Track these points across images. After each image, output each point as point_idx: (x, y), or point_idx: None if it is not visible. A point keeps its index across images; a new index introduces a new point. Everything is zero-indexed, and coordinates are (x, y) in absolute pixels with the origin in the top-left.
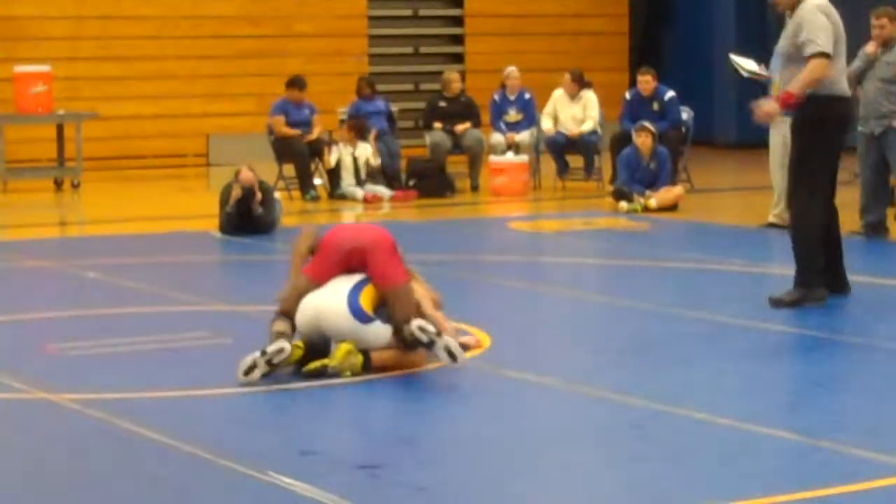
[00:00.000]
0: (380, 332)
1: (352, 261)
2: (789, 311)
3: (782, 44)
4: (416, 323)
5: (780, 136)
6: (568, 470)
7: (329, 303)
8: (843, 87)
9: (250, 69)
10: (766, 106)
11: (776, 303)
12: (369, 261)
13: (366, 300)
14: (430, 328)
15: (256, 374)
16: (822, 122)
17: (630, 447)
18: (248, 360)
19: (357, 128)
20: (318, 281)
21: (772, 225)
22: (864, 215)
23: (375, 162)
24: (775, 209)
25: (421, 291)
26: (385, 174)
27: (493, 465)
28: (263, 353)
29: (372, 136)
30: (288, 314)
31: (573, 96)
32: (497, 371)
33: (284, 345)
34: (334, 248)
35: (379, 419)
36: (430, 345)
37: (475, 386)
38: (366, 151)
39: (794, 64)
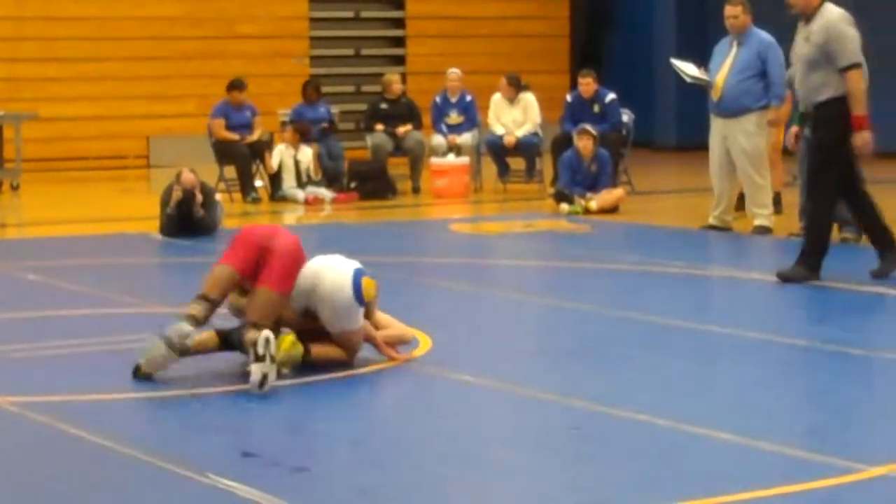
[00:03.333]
0: (360, 322)
1: (259, 256)
2: (724, 310)
3: (806, 50)
4: (265, 335)
5: (720, 137)
6: (510, 471)
7: (336, 270)
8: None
9: (192, 71)
10: (864, 138)
11: (786, 278)
12: (269, 260)
13: (367, 286)
14: (266, 350)
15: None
16: (843, 121)
17: (571, 448)
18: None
19: (301, 131)
20: (237, 268)
21: (712, 227)
22: (803, 217)
23: (317, 177)
24: (715, 211)
25: (372, 329)
26: (326, 176)
27: (435, 466)
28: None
29: (313, 151)
30: (207, 297)
31: (511, 100)
32: (439, 373)
33: (188, 329)
34: (248, 240)
35: (320, 421)
36: (255, 358)
37: (417, 388)
38: (307, 156)
39: (821, 69)
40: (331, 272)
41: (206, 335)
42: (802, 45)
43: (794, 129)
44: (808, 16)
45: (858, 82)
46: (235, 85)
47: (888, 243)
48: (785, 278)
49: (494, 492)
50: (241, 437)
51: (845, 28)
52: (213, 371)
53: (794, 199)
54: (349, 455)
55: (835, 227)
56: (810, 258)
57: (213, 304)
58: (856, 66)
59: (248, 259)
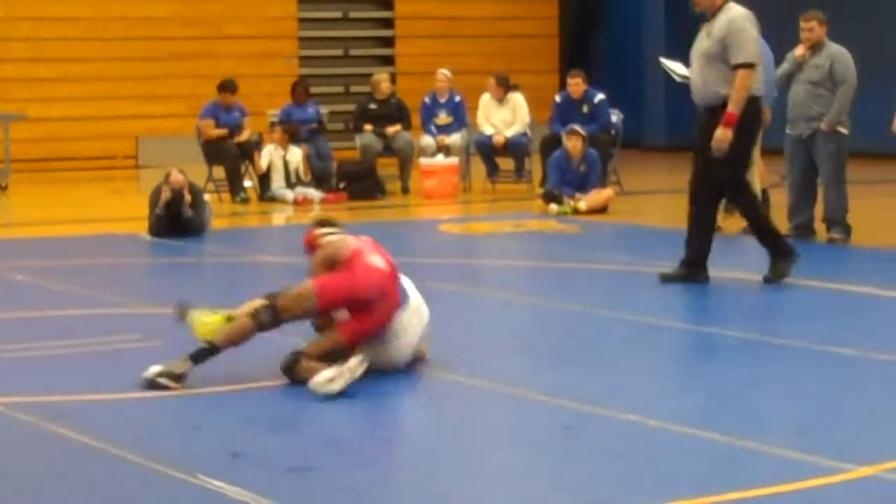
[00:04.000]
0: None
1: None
2: (712, 310)
3: (706, 45)
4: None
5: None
6: (499, 471)
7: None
8: (759, 88)
9: (181, 71)
10: (719, 134)
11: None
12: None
13: None
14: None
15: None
16: (752, 120)
17: (560, 448)
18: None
19: (290, 131)
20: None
21: None
22: (792, 217)
23: (306, 177)
24: None
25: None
26: (315, 177)
27: (425, 466)
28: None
29: (303, 152)
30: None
31: (500, 100)
32: (429, 373)
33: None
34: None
35: (310, 421)
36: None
37: (408, 388)
38: (296, 156)
39: (718, 64)
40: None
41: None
42: (703, 41)
43: None
44: (712, 13)
45: (746, 81)
46: (226, 86)
47: (773, 244)
48: (667, 279)
49: (485, 491)
50: (230, 438)
51: (748, 26)
52: (202, 371)
53: (781, 199)
54: (340, 455)
55: (822, 227)
56: (699, 260)
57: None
58: (749, 65)
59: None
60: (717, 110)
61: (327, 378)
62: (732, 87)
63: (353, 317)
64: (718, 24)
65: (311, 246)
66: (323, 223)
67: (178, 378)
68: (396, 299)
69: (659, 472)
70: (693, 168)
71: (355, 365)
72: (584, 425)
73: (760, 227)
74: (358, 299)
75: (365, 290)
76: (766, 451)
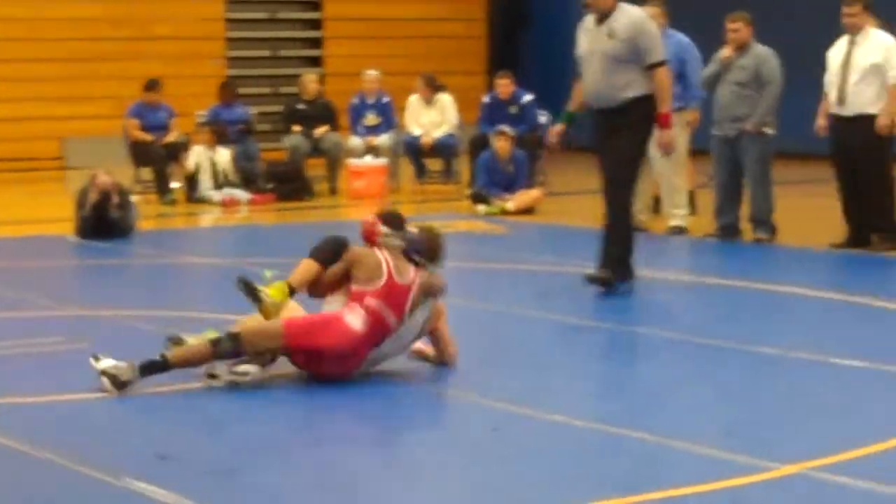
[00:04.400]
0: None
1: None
2: (639, 310)
3: (611, 46)
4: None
5: None
6: (426, 471)
7: None
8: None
9: (107, 72)
10: (662, 138)
11: (595, 280)
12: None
13: None
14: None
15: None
16: (651, 119)
17: (487, 449)
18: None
19: (217, 132)
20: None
21: None
22: (719, 217)
23: (234, 179)
24: None
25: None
26: (243, 178)
27: (353, 467)
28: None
29: (231, 153)
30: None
31: (428, 101)
32: (357, 374)
33: (251, 369)
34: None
35: (237, 422)
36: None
37: (334, 388)
38: (224, 157)
39: (627, 67)
40: None
41: None
42: (604, 42)
43: (559, 127)
44: (605, 14)
45: (667, 80)
46: (150, 86)
47: (618, 260)
48: (592, 280)
49: (411, 492)
50: (156, 440)
51: (651, 26)
52: None
53: (708, 199)
54: (266, 457)
55: (749, 227)
56: (623, 261)
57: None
58: (663, 63)
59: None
60: (622, 111)
61: (233, 371)
62: (655, 89)
63: (310, 334)
64: (621, 26)
65: (369, 237)
66: (388, 220)
67: (121, 385)
68: (361, 357)
69: (586, 473)
70: (603, 173)
71: (254, 372)
72: (511, 426)
73: (624, 239)
74: (321, 354)
75: (330, 351)
76: (692, 450)
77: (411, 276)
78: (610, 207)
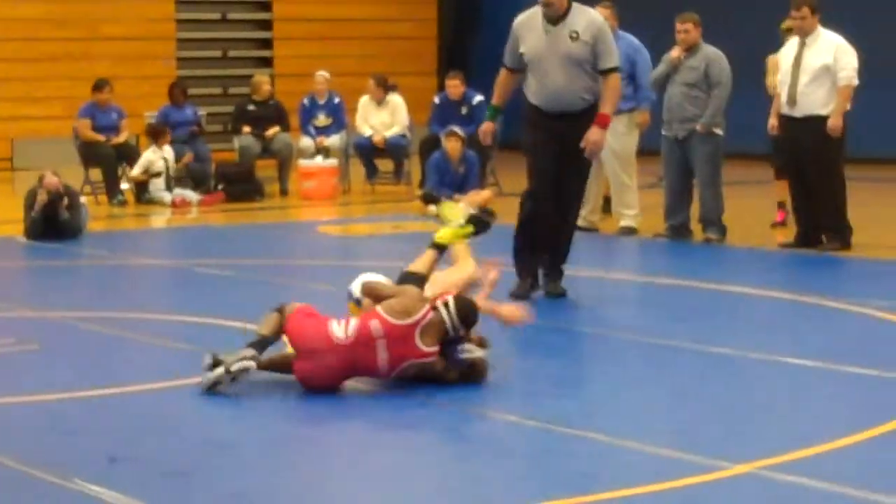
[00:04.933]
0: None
1: None
2: (590, 310)
3: (573, 48)
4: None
5: None
6: (383, 472)
7: None
8: None
9: (57, 72)
10: (595, 136)
11: (559, 296)
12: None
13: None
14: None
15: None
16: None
17: (442, 449)
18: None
19: (155, 134)
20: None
21: (578, 228)
22: (669, 218)
23: (178, 175)
24: (581, 211)
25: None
26: (193, 179)
27: (309, 469)
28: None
29: (189, 158)
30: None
31: (379, 102)
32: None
33: (250, 364)
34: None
35: (190, 424)
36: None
37: (289, 390)
38: (170, 155)
39: (585, 68)
40: None
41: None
42: (566, 44)
43: (488, 125)
44: (561, 14)
45: (618, 87)
46: (99, 86)
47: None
48: (556, 296)
49: (366, 493)
50: (109, 442)
51: (609, 31)
52: (79, 375)
53: (658, 199)
54: (221, 458)
55: (699, 227)
56: (560, 269)
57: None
58: (618, 68)
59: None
60: (580, 117)
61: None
62: (605, 90)
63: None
64: (582, 27)
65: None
66: (461, 309)
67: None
68: (332, 367)
69: (539, 473)
70: (563, 182)
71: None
72: (465, 426)
73: (563, 242)
74: (295, 346)
75: (295, 341)
76: (646, 450)
77: (424, 350)
78: (569, 217)
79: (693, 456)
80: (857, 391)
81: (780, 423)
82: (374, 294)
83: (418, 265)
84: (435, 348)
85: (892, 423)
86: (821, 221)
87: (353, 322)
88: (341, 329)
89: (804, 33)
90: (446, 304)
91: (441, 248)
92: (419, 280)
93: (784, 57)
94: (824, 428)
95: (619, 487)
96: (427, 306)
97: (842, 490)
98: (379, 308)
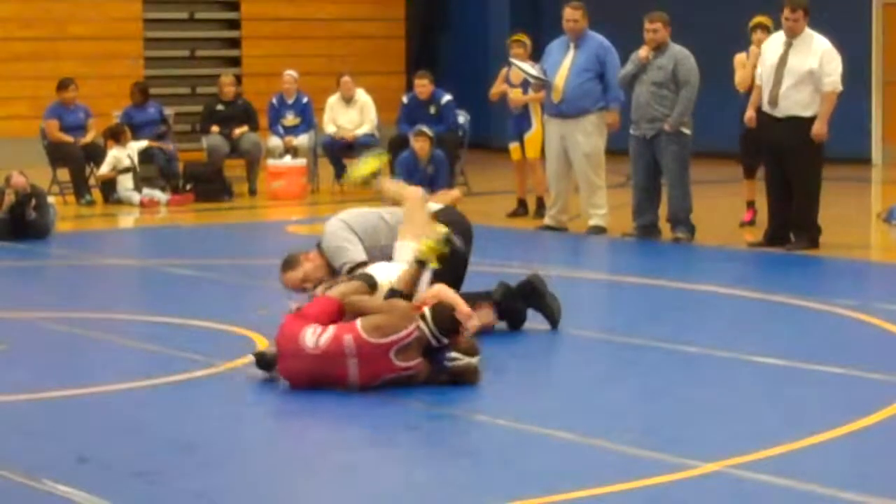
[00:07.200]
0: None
1: None
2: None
3: (582, 59)
4: None
5: (557, 138)
6: (348, 472)
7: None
8: None
9: (23, 72)
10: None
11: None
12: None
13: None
14: None
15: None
16: None
17: (407, 448)
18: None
19: (114, 134)
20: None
21: (548, 227)
22: (637, 217)
23: (140, 172)
24: (551, 211)
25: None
26: (162, 178)
27: (273, 468)
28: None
29: (137, 163)
30: None
31: (349, 100)
32: (274, 374)
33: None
34: None
35: (158, 425)
36: None
37: (252, 391)
38: (133, 151)
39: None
40: None
41: None
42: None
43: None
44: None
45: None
46: (63, 85)
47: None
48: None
49: (331, 492)
50: (76, 443)
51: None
52: (47, 375)
53: (627, 198)
54: (186, 458)
55: (667, 226)
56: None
57: None
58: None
59: None
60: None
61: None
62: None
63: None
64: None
65: (417, 308)
66: (439, 320)
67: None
68: (300, 371)
69: (507, 471)
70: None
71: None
72: (432, 425)
73: None
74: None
75: (277, 336)
76: (615, 449)
77: (400, 365)
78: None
79: (662, 454)
80: (824, 390)
81: (748, 422)
82: (357, 310)
83: (400, 283)
84: (415, 362)
85: (860, 422)
86: (793, 220)
87: (328, 333)
88: (313, 338)
89: (793, 34)
90: (423, 317)
91: (422, 264)
92: (405, 298)
93: (768, 53)
94: (792, 426)
95: (589, 486)
96: (413, 325)
97: (809, 488)
98: (358, 322)
